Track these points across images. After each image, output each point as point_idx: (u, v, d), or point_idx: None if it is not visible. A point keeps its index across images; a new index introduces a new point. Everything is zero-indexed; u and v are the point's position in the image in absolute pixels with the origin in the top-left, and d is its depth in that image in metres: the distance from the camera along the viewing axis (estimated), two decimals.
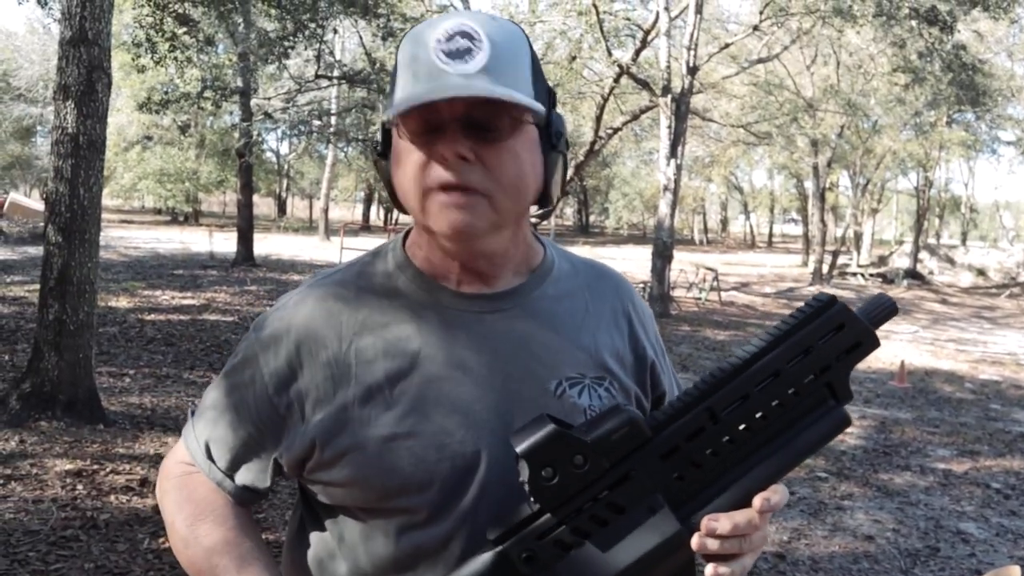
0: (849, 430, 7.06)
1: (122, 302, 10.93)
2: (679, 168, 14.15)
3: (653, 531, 0.81)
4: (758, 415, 0.82)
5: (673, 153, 13.82)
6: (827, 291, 0.91)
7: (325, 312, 0.97)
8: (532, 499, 0.81)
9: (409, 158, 0.90)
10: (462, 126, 0.87)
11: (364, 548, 0.96)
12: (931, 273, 27.33)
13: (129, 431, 5.34)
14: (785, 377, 0.82)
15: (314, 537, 1.02)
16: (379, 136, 0.97)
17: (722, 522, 0.81)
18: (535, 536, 0.81)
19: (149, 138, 30.56)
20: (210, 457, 1.01)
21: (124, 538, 3.76)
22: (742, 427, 0.83)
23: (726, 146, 24.87)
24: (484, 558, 0.82)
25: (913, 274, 26.10)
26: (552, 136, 0.95)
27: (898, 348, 12.17)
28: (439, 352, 0.95)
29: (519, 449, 0.79)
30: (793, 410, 0.83)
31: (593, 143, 14.87)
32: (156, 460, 4.80)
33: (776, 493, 0.82)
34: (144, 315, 10.07)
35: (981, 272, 26.92)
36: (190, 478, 1.02)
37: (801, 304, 0.87)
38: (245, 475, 1.00)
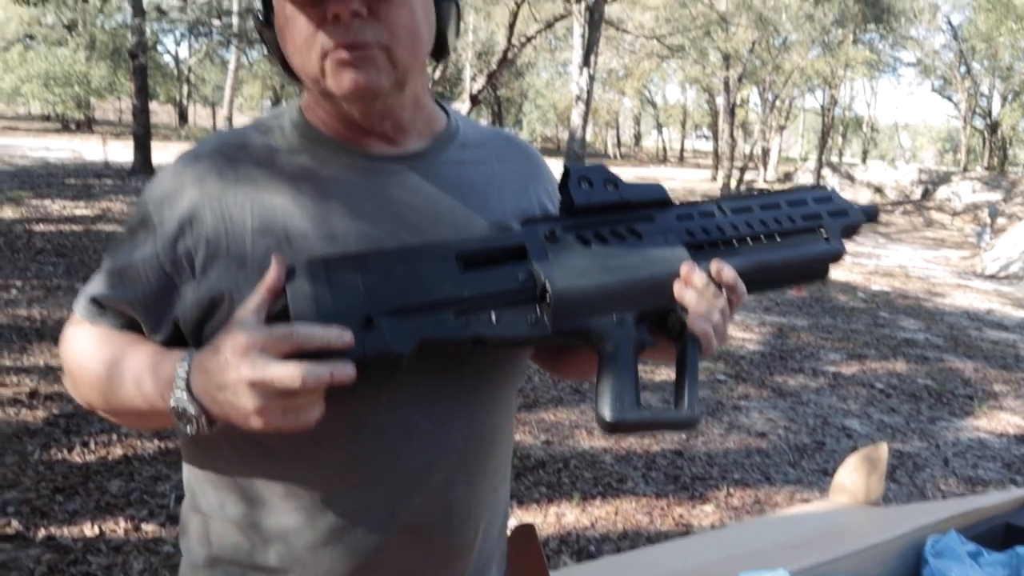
0: (747, 336, 7.39)
1: (7, 212, 10.31)
2: (592, 78, 14.05)
3: (664, 251, 0.90)
4: (757, 226, 0.96)
5: (586, 62, 13.69)
6: None
7: (220, 171, 0.92)
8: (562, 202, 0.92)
9: (297, 22, 0.84)
10: None
11: None
12: (832, 190, 28.24)
13: (16, 343, 5.10)
14: (783, 210, 0.99)
15: None
16: (258, 1, 0.90)
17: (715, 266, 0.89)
18: (561, 226, 0.89)
19: (31, 37, 28.38)
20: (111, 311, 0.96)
21: (12, 450, 3.62)
22: (745, 234, 0.95)
23: (640, 58, 24.78)
24: (512, 232, 0.90)
25: None
26: None
27: None
28: (343, 214, 0.92)
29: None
30: (787, 233, 0.98)
31: (506, 51, 14.56)
32: (46, 372, 4.61)
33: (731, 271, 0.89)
34: (32, 226, 9.55)
35: (879, 189, 27.99)
36: (90, 329, 0.97)
37: None
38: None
